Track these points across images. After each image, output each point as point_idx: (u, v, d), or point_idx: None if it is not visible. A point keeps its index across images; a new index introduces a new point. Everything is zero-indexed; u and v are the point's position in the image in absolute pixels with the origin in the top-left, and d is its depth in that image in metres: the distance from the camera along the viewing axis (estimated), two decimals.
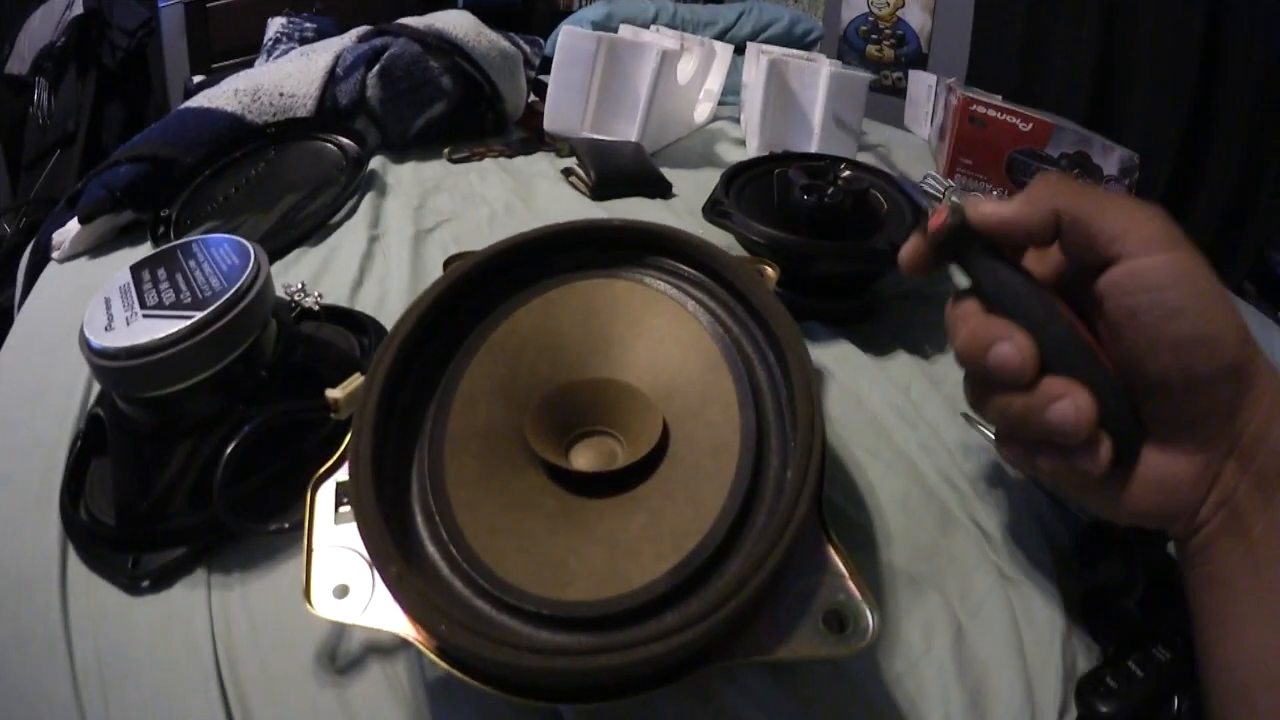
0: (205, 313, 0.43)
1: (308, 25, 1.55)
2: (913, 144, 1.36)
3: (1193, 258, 0.33)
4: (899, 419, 0.54)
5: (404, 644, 0.39)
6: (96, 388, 0.59)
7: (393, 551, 0.32)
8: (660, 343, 0.43)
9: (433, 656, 0.32)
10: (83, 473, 0.51)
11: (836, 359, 0.60)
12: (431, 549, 0.34)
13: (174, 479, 0.45)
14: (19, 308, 0.88)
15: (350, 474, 0.34)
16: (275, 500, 0.46)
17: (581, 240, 0.45)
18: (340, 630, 0.41)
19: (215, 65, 2.52)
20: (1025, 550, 0.45)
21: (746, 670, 0.38)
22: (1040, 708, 0.37)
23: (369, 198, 0.89)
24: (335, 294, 0.67)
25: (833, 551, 0.33)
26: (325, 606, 0.33)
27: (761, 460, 0.37)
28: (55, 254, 0.85)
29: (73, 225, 0.85)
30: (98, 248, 0.85)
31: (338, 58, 1.06)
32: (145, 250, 0.82)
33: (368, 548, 0.32)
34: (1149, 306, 0.32)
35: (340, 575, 0.34)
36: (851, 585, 0.32)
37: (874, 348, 0.62)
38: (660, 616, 0.32)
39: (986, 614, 0.41)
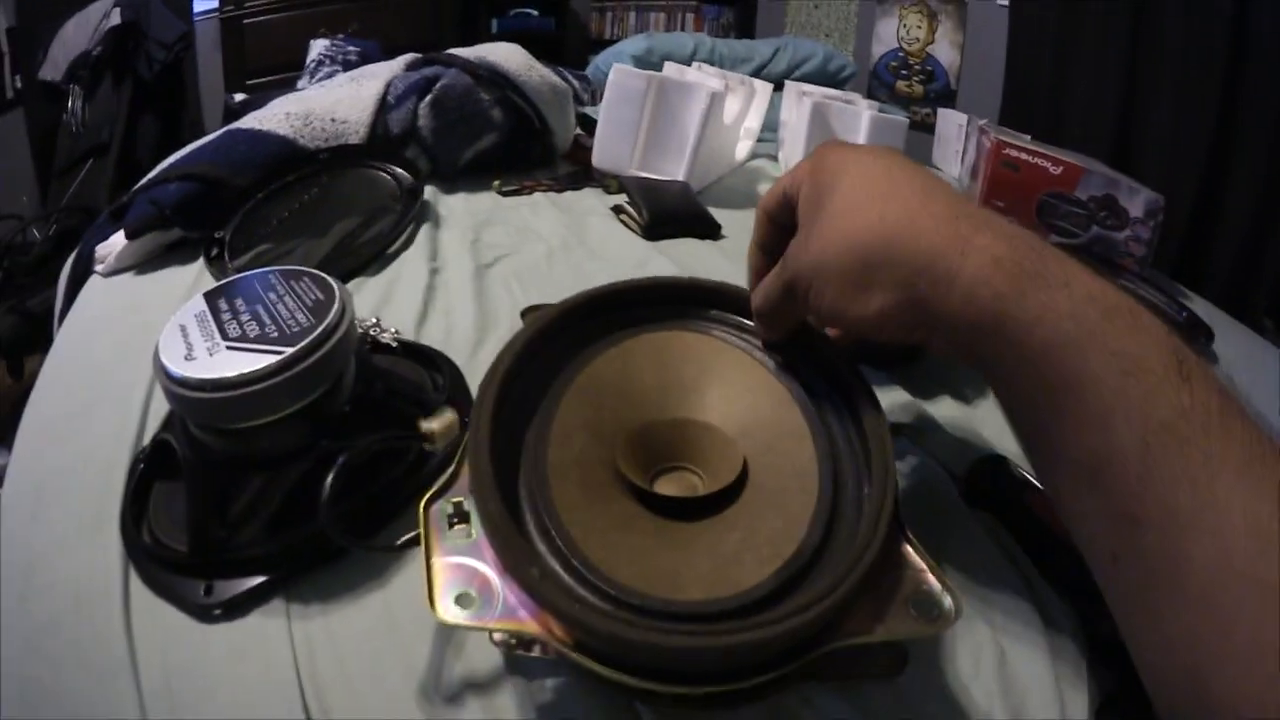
0: (295, 349, 0.43)
1: (351, 48, 1.57)
2: None
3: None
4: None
5: (505, 676, 0.40)
6: (155, 409, 0.58)
7: (530, 556, 0.34)
8: (730, 385, 0.46)
9: (571, 653, 0.34)
10: (144, 495, 0.50)
11: (888, 404, 0.60)
12: (551, 559, 0.36)
13: (250, 507, 0.45)
14: (59, 318, 0.89)
15: (475, 490, 0.37)
16: (363, 525, 0.47)
17: (650, 296, 0.49)
18: (438, 661, 0.41)
19: (251, 82, 2.54)
20: (1056, 585, 0.48)
21: (818, 693, 0.40)
22: None
23: (424, 228, 0.89)
24: (400, 326, 0.67)
25: (911, 549, 0.37)
26: (451, 613, 0.34)
27: (839, 479, 0.41)
28: (99, 268, 0.85)
29: (118, 239, 0.85)
30: (143, 264, 0.85)
31: (389, 85, 1.07)
32: (194, 270, 0.82)
33: (503, 554, 0.34)
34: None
35: (459, 586, 0.35)
36: (931, 577, 0.36)
37: (920, 391, 0.64)
38: (772, 609, 0.34)
39: (1025, 642, 0.44)
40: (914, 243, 0.37)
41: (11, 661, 0.43)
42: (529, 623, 0.34)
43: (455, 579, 0.36)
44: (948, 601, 0.35)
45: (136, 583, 0.46)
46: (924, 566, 0.36)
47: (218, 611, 0.44)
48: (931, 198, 0.38)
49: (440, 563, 0.36)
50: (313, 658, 0.41)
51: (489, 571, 0.35)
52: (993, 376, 0.38)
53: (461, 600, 0.35)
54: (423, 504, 0.38)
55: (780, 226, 0.46)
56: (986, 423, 0.60)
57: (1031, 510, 0.49)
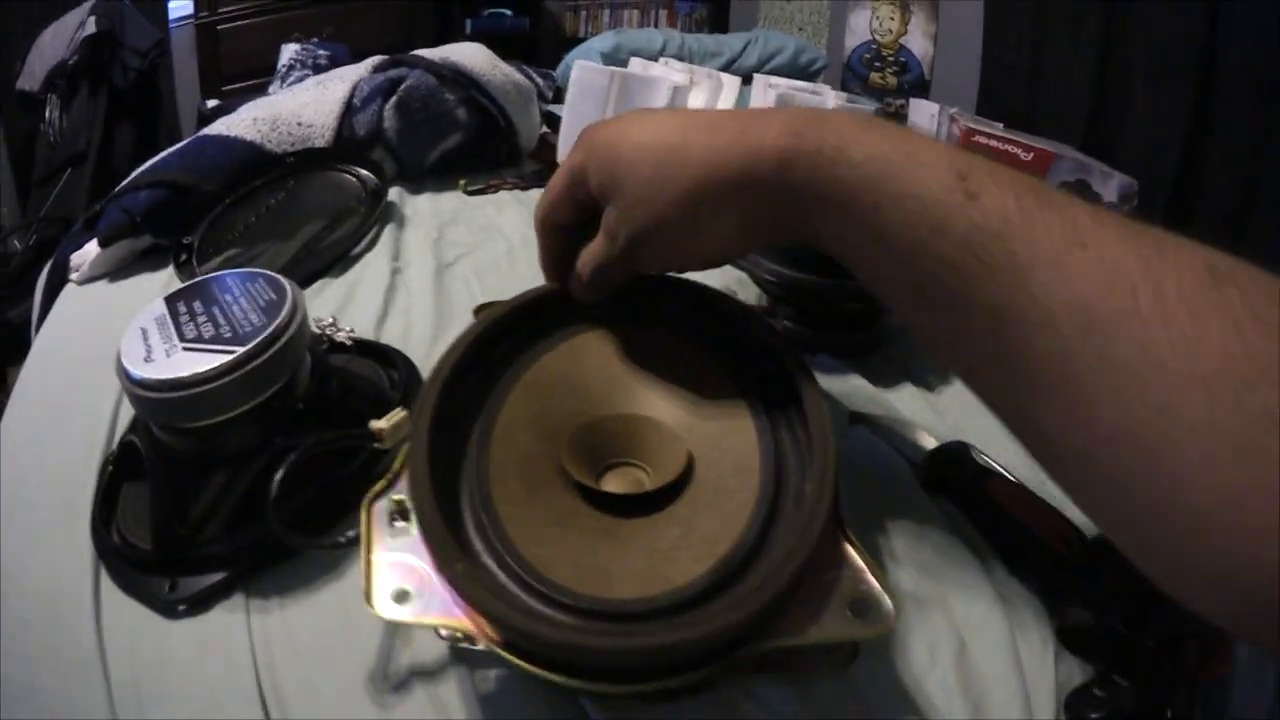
0: (247, 348, 0.44)
1: (321, 52, 1.58)
2: None
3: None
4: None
5: (452, 666, 0.41)
6: (124, 412, 0.60)
7: (456, 552, 0.35)
8: (678, 380, 0.46)
9: (496, 649, 0.34)
10: (114, 497, 0.52)
11: (846, 391, 0.62)
12: (486, 557, 0.37)
13: (211, 505, 0.47)
14: (37, 327, 0.89)
15: (411, 489, 0.37)
16: (315, 522, 0.48)
17: None
18: (385, 652, 0.42)
19: (226, 88, 2.54)
20: (1018, 573, 0.47)
21: (765, 686, 0.40)
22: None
23: (388, 229, 0.90)
24: (360, 326, 0.68)
25: (851, 549, 0.37)
26: (386, 609, 0.35)
27: (781, 476, 0.41)
28: (74, 276, 0.87)
29: (91, 247, 0.86)
30: (117, 271, 0.86)
31: (354, 88, 1.08)
32: (165, 275, 0.84)
33: (431, 550, 0.35)
34: None
35: (397, 582, 0.36)
36: (870, 577, 0.36)
37: (881, 379, 0.64)
38: (703, 608, 0.35)
39: (986, 632, 0.43)
40: (711, 146, 0.39)
41: None
42: (463, 620, 0.35)
43: (394, 575, 0.37)
44: (886, 603, 0.34)
45: (106, 581, 0.47)
46: (863, 566, 0.36)
47: (182, 607, 0.45)
48: (714, 114, 0.42)
49: (380, 559, 0.37)
50: (270, 650, 0.43)
51: (427, 569, 0.36)
52: (829, 240, 0.39)
53: (399, 596, 0.36)
54: (365, 501, 0.39)
55: (579, 205, 0.47)
56: (948, 410, 0.61)
57: (992, 497, 0.48)
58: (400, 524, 0.39)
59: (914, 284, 0.34)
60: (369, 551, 0.38)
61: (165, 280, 0.83)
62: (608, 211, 0.43)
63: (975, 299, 0.31)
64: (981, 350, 0.33)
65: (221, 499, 0.47)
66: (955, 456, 0.52)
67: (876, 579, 0.35)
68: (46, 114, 2.41)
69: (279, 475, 0.43)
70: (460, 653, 0.41)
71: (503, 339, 0.46)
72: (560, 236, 0.47)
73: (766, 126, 0.37)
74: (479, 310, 0.52)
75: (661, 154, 0.40)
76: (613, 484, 0.44)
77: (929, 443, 0.54)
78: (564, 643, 0.32)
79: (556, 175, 0.46)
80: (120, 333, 0.48)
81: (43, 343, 0.77)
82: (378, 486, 0.40)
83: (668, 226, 0.40)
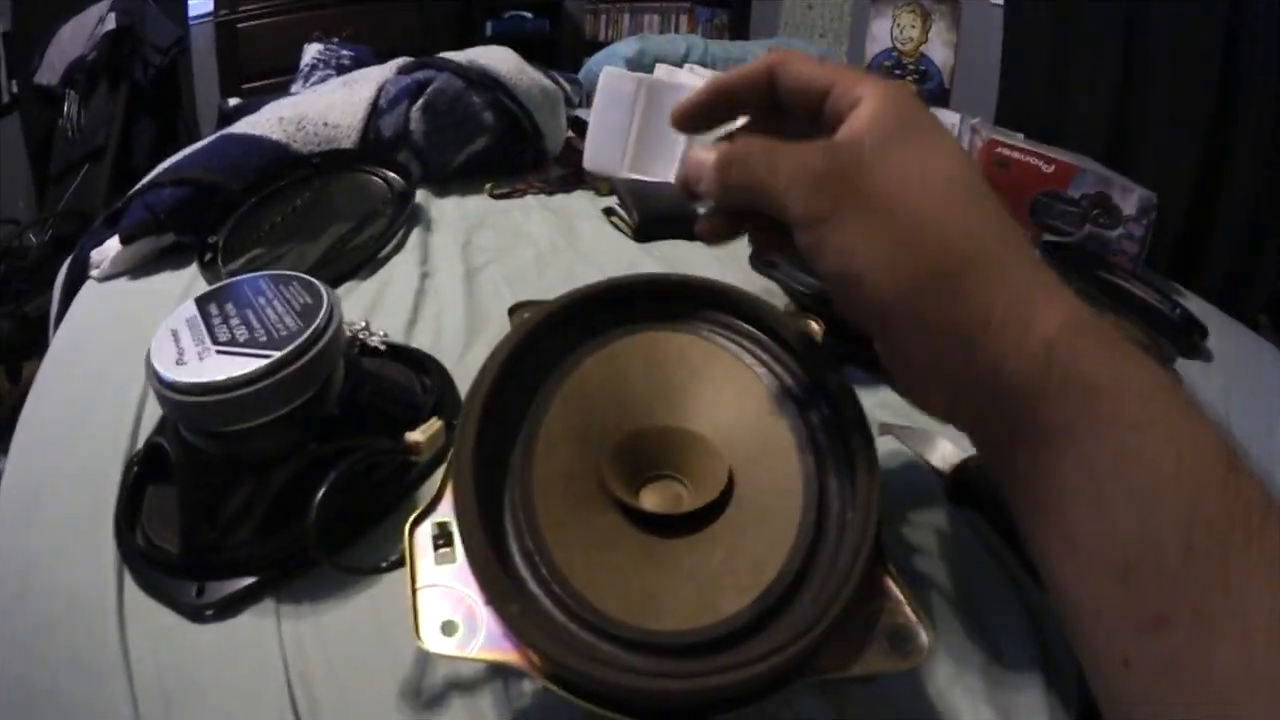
0: (283, 353, 0.44)
1: (345, 53, 1.57)
2: None
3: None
4: None
5: (488, 679, 0.41)
6: (149, 413, 0.59)
7: (509, 590, 0.34)
8: (720, 393, 0.45)
9: (550, 684, 0.34)
10: (139, 498, 0.51)
11: (873, 403, 0.61)
12: (534, 586, 0.36)
13: (241, 510, 0.46)
14: (55, 323, 0.89)
15: (459, 521, 0.36)
16: (346, 532, 0.48)
17: (643, 294, 0.48)
18: (424, 664, 0.42)
19: (246, 86, 2.54)
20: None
21: (802, 697, 0.41)
22: None
23: (415, 232, 0.90)
24: (389, 330, 0.67)
25: (890, 581, 0.37)
26: (435, 642, 0.35)
27: (823, 501, 0.40)
28: (94, 272, 0.86)
29: (112, 244, 0.86)
30: (138, 268, 0.86)
31: (381, 89, 1.07)
32: (187, 274, 0.83)
33: (485, 591, 0.35)
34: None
35: (445, 612, 0.36)
36: (908, 610, 0.36)
37: None
38: (747, 642, 0.35)
39: (1013, 643, 0.44)
40: (1005, 270, 0.33)
41: (7, 664, 0.43)
42: (512, 654, 0.35)
43: (440, 605, 0.36)
44: (922, 636, 0.35)
45: (130, 584, 0.46)
46: (901, 598, 0.36)
47: (210, 612, 0.44)
48: (1019, 229, 0.35)
49: (425, 588, 0.37)
50: (302, 657, 0.42)
51: (473, 598, 0.36)
52: (1019, 451, 0.34)
53: (446, 628, 0.35)
54: (407, 527, 0.38)
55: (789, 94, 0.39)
56: None
57: None
58: (444, 549, 0.38)
59: (1123, 548, 0.31)
60: (414, 582, 0.37)
61: (187, 279, 0.82)
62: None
63: (1186, 588, 0.29)
64: (1158, 645, 0.30)
65: (253, 503, 0.46)
66: (982, 469, 0.51)
67: (913, 610, 0.36)
68: (65, 109, 2.42)
69: (318, 497, 0.42)
70: (500, 666, 0.41)
71: (542, 344, 0.45)
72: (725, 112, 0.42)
73: (1054, 286, 0.33)
74: (514, 310, 0.51)
75: (950, 187, 0.34)
76: (652, 498, 0.43)
77: (956, 455, 0.54)
78: (623, 686, 0.32)
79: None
80: (142, 330, 0.48)
81: (62, 340, 0.77)
82: (420, 509, 0.39)
83: (874, 244, 0.34)
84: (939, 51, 2.81)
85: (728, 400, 0.45)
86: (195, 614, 0.44)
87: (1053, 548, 0.34)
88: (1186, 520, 0.29)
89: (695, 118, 0.42)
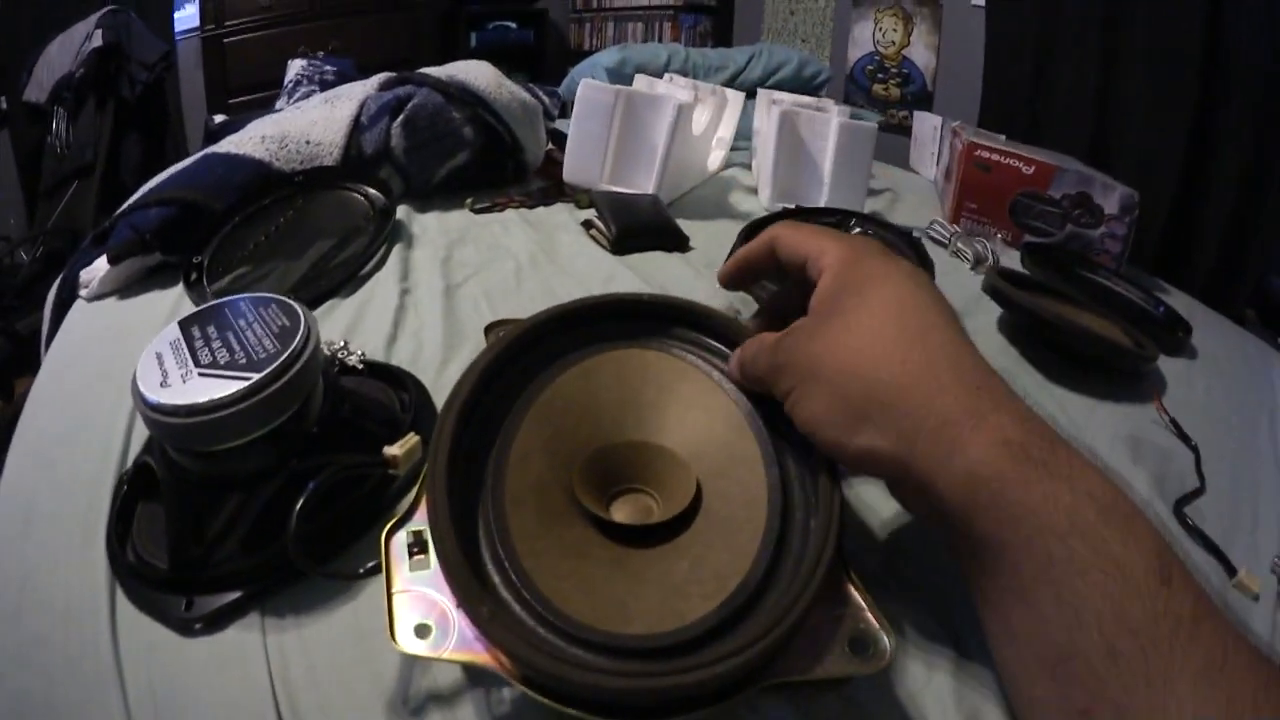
0: (262, 375, 0.45)
1: (328, 68, 1.59)
2: (918, 185, 1.40)
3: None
4: None
5: (467, 688, 0.42)
6: (137, 430, 0.60)
7: (480, 594, 0.36)
8: (689, 408, 0.47)
9: (519, 685, 0.35)
10: (129, 515, 0.52)
11: None
12: (504, 591, 0.38)
13: (226, 526, 0.47)
14: (46, 342, 0.90)
15: (432, 528, 0.38)
16: (328, 545, 0.49)
17: (614, 313, 0.50)
18: (404, 672, 0.43)
19: (232, 101, 2.55)
20: None
21: (768, 702, 0.41)
22: None
23: (397, 248, 0.91)
24: (370, 348, 0.69)
25: (852, 588, 0.39)
26: (410, 644, 0.36)
27: (788, 510, 0.42)
28: (84, 292, 0.87)
29: (101, 264, 0.87)
30: (126, 288, 0.87)
31: (362, 106, 1.09)
32: (175, 293, 0.84)
33: (457, 593, 0.36)
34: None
35: (418, 616, 0.37)
36: (870, 615, 0.38)
37: None
38: (711, 646, 0.36)
39: (984, 648, 0.44)
40: (929, 400, 0.37)
41: (3, 674, 0.45)
42: (482, 655, 0.36)
43: (414, 609, 0.38)
44: (884, 641, 0.36)
45: (122, 598, 0.48)
46: (863, 605, 0.38)
47: (198, 625, 0.45)
48: (960, 355, 0.39)
49: (400, 593, 0.38)
50: (286, 667, 0.43)
51: (446, 603, 0.37)
52: (964, 551, 0.38)
53: (420, 630, 0.37)
54: (384, 535, 0.40)
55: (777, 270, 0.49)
56: None
57: None
58: (419, 556, 0.40)
59: (1053, 646, 0.34)
60: (390, 586, 0.39)
61: (175, 298, 0.83)
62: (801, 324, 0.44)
63: (1109, 688, 0.32)
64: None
65: (237, 520, 0.47)
66: None
67: (875, 617, 0.37)
68: (53, 126, 2.42)
69: (297, 507, 0.44)
70: (474, 673, 0.42)
71: (517, 361, 0.47)
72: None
73: (991, 409, 0.37)
74: (490, 329, 0.53)
75: (890, 328, 0.40)
76: (622, 510, 0.45)
77: None
78: (588, 685, 0.34)
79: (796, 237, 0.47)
80: (131, 350, 0.49)
81: (53, 360, 0.77)
82: (395, 518, 0.41)
83: (824, 389, 0.40)
84: (921, 54, 2.82)
85: (696, 415, 0.47)
86: (184, 627, 0.46)
87: (997, 635, 0.38)
88: (1112, 625, 0.32)
89: (732, 282, 0.54)
